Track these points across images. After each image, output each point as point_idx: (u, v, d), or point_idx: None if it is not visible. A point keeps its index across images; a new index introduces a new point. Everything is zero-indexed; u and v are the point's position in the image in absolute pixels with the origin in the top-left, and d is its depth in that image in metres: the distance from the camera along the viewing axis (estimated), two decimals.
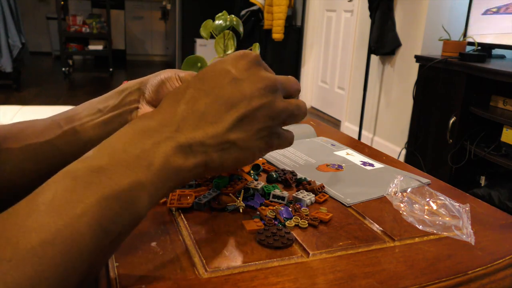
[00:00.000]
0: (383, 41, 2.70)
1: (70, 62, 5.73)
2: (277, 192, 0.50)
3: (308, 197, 0.49)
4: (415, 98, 2.27)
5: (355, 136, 3.04)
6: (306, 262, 0.38)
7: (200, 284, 0.34)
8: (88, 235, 0.27)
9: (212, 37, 0.56)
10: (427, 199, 0.50)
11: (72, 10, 6.17)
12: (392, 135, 2.88)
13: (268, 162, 0.63)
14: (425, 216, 0.47)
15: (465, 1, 2.33)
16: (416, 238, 0.43)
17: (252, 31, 4.42)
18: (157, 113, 0.35)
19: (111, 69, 5.58)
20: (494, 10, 2.09)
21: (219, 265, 0.36)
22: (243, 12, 4.40)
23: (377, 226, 0.45)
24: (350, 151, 0.69)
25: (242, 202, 0.47)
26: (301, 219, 0.44)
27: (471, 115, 1.95)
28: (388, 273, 0.37)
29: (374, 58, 2.97)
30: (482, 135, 1.95)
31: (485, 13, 2.16)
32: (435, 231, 0.45)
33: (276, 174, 0.55)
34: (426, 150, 2.23)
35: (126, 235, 0.31)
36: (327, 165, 0.62)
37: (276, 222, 0.44)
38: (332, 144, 0.72)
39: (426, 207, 0.49)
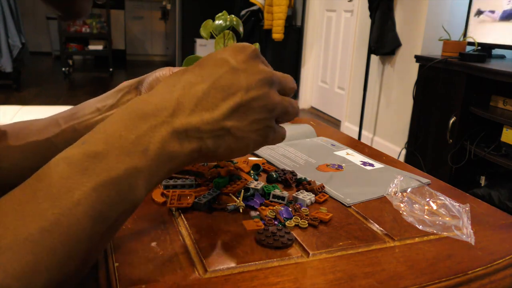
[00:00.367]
0: (383, 41, 2.70)
1: (70, 62, 5.73)
2: (277, 192, 0.50)
3: (308, 197, 0.49)
4: (415, 98, 2.27)
5: (355, 136, 3.04)
6: (306, 262, 0.38)
7: (200, 284, 0.34)
8: (86, 222, 0.28)
9: (212, 37, 0.56)
10: (427, 199, 0.50)
11: None
12: (392, 135, 2.88)
13: (268, 162, 0.63)
14: (425, 216, 0.47)
15: (465, 1, 2.32)
16: (416, 238, 0.43)
17: (252, 31, 4.41)
18: (153, 96, 0.34)
19: (111, 69, 5.58)
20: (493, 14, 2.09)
21: (219, 265, 0.36)
22: (243, 12, 4.40)
23: (377, 226, 0.45)
24: (350, 151, 0.69)
25: (242, 202, 0.47)
26: (301, 219, 0.44)
27: (471, 115, 1.94)
28: (388, 273, 0.37)
29: (374, 58, 2.97)
30: (482, 135, 1.95)
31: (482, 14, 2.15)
32: (435, 231, 0.45)
33: (276, 174, 0.55)
34: (426, 150, 2.23)
35: (123, 221, 0.32)
36: (327, 165, 0.62)
37: (276, 222, 0.44)
38: (332, 144, 0.72)
39: (426, 207, 0.49)
